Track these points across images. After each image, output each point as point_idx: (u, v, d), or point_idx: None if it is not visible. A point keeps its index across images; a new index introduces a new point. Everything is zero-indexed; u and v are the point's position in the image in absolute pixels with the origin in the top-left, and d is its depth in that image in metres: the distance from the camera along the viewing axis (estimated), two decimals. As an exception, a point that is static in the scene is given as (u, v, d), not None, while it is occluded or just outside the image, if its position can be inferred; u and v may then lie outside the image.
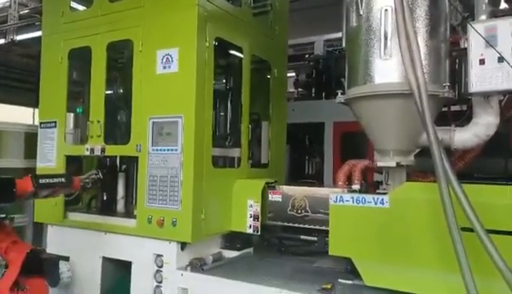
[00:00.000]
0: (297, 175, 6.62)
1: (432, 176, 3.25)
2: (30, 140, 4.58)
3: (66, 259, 3.92)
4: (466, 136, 2.94)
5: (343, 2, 3.45)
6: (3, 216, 3.19)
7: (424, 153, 3.11)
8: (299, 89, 7.81)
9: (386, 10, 2.95)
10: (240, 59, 4.17)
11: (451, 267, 2.43)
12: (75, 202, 4.39)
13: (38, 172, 4.24)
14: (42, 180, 3.24)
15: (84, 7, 4.35)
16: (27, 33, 7.95)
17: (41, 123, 4.32)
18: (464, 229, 2.33)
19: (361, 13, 3.11)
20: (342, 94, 3.37)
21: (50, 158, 4.17)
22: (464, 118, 3.10)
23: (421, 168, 3.37)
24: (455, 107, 3.82)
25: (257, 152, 4.60)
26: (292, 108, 5.83)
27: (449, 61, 3.13)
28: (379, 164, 3.18)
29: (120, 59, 4.56)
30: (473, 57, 2.69)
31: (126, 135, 3.89)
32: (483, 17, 2.83)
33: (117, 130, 4.39)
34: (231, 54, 4.34)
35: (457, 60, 3.23)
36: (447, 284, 2.61)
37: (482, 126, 2.89)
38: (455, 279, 2.37)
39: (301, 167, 7.06)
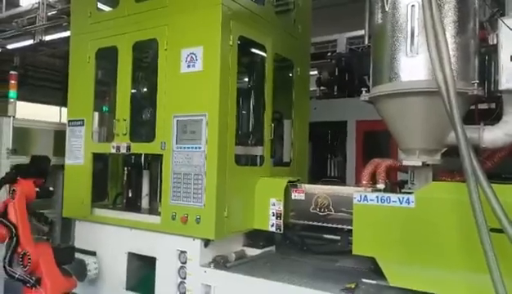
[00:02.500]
0: (319, 174, 6.58)
1: (459, 176, 3.19)
2: (59, 138, 4.71)
3: (93, 254, 4.03)
4: (496, 135, 2.87)
5: (367, -1, 3.42)
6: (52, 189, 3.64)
7: (451, 152, 3.05)
8: (322, 87, 7.75)
9: (413, 5, 2.91)
10: (263, 57, 4.18)
11: (477, 268, 2.39)
12: (102, 199, 4.50)
13: (66, 170, 4.39)
14: None
15: (110, 8, 4.43)
16: (55, 34, 8.17)
17: (69, 121, 4.44)
18: (492, 229, 2.27)
19: (387, 9, 3.07)
20: (366, 92, 3.33)
21: (78, 156, 4.29)
22: (493, 117, 3.02)
23: (448, 168, 3.31)
24: (483, 105, 3.74)
25: (279, 150, 4.61)
26: (314, 106, 5.80)
27: (478, 58, 3.05)
28: (405, 163, 3.13)
29: (145, 58, 4.63)
30: (504, 54, 2.62)
31: (150, 133, 3.95)
32: (515, 12, 2.75)
33: (141, 128, 4.46)
34: (254, 52, 4.35)
35: (486, 57, 3.15)
36: (473, 285, 2.56)
37: (513, 124, 2.81)
38: (481, 280, 2.33)
39: (323, 165, 7.02)
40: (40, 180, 3.51)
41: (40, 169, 3.59)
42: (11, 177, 3.42)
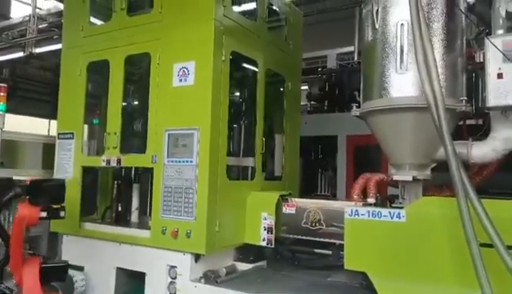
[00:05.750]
0: (310, 189, 6.59)
1: (448, 191, 3.23)
2: (48, 151, 4.65)
3: (81, 269, 3.95)
4: (484, 151, 2.92)
5: (356, 17, 3.49)
6: (63, 214, 3.30)
7: (440, 167, 3.10)
8: (312, 102, 7.83)
9: (402, 24, 2.98)
10: (255, 72, 4.22)
11: (469, 283, 2.40)
12: (91, 213, 4.43)
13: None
14: None
15: (103, 22, 4.44)
16: (45, 47, 8.15)
17: (59, 134, 4.39)
18: (482, 244, 2.29)
19: (377, 27, 3.13)
20: (357, 107, 3.38)
21: (67, 169, 4.23)
22: (481, 133, 3.08)
23: (437, 183, 3.35)
24: (471, 121, 3.80)
25: (270, 164, 4.61)
26: (305, 121, 5.84)
27: (465, 75, 3.12)
28: (396, 178, 3.17)
29: (137, 70, 4.61)
30: (491, 71, 2.68)
31: (141, 146, 3.93)
32: (500, 31, 2.83)
33: (132, 141, 4.42)
34: (246, 67, 4.39)
35: (473, 74, 3.22)
36: (465, 301, 2.57)
37: (501, 140, 2.87)
38: (474, 296, 2.34)
39: (314, 180, 7.04)
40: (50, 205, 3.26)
41: (53, 197, 3.30)
42: (18, 195, 3.20)
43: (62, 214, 3.28)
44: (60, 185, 3.42)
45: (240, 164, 4.21)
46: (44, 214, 3.18)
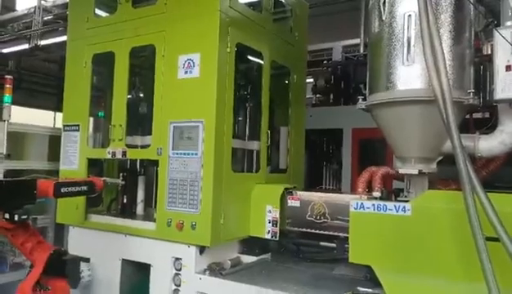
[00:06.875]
0: (315, 182, 6.58)
1: (454, 184, 3.21)
2: (54, 143, 4.67)
3: (87, 260, 3.98)
4: (492, 144, 2.89)
5: (363, 8, 3.45)
6: (25, 216, 3.08)
7: (446, 160, 3.07)
8: (317, 95, 7.79)
9: (409, 15, 2.94)
10: (260, 64, 4.19)
11: (475, 277, 2.39)
12: (96, 205, 4.46)
13: (60, 175, 4.34)
14: (63, 189, 3.27)
15: (108, 14, 4.43)
16: (51, 39, 8.16)
17: (64, 126, 4.40)
18: (488, 238, 2.28)
19: (384, 19, 3.10)
20: (363, 100, 3.35)
21: (73, 161, 4.25)
22: (489, 126, 3.05)
23: (443, 176, 3.33)
24: (478, 114, 3.77)
25: (275, 157, 4.60)
26: (310, 114, 5.82)
27: (473, 67, 3.09)
28: (401, 171, 3.15)
29: (142, 62, 4.60)
30: (500, 64, 2.65)
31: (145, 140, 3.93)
32: (509, 23, 2.78)
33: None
34: (252, 59, 4.37)
35: (481, 67, 3.18)
36: (470, 295, 2.56)
37: (509, 134, 2.84)
38: (479, 290, 2.33)
39: (319, 173, 7.03)
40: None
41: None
42: None
43: (16, 218, 2.93)
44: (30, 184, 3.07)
45: (245, 147, 4.18)
46: (7, 215, 2.96)
